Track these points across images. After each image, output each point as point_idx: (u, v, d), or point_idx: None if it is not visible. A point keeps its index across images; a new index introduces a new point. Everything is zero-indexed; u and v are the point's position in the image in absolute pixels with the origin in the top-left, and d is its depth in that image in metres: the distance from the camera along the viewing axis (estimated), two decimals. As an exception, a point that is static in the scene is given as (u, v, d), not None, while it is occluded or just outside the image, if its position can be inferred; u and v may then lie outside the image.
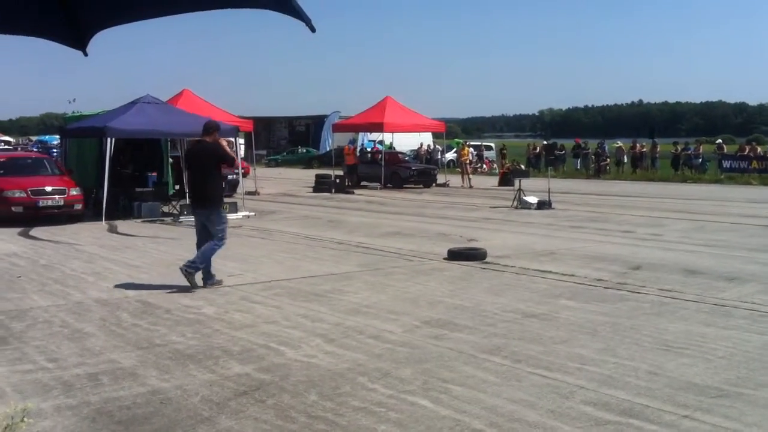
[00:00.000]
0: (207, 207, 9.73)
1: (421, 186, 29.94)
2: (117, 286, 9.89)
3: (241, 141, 32.29)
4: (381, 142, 35.64)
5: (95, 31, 3.20)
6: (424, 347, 6.84)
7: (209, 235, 9.72)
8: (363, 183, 30.34)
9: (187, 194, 9.55)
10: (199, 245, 9.77)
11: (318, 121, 57.42)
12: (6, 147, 54.30)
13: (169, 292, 9.41)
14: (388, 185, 29.58)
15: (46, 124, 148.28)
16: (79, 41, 3.22)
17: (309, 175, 34.70)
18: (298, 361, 6.41)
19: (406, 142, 40.60)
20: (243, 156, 30.02)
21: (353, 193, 27.22)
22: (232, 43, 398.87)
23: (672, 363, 6.33)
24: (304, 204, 23.10)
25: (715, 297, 8.99)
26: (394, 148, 36.41)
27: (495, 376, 5.99)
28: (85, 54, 3.26)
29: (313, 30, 2.60)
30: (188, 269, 9.48)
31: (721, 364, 6.30)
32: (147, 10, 3.08)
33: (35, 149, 40.81)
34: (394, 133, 35.22)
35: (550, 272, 10.72)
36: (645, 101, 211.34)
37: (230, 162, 10.08)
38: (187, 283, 9.50)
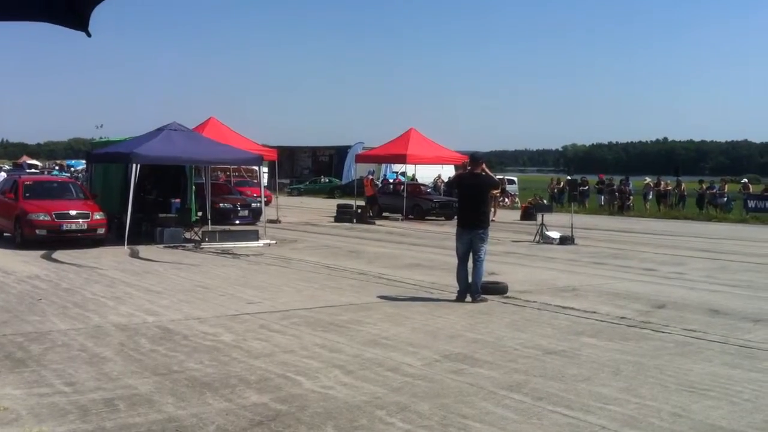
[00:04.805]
0: (480, 227, 11.13)
1: (442, 218, 29.88)
2: (136, 311, 9.90)
3: (265, 170, 32.53)
4: (403, 174, 35.58)
5: (92, 6, 3.12)
6: (443, 381, 6.76)
7: (468, 257, 11.07)
8: (385, 214, 30.32)
9: (457, 218, 11.77)
10: (461, 264, 11.12)
11: (341, 152, 57.68)
12: (33, 171, 55.18)
13: (188, 319, 9.40)
14: (410, 216, 29.54)
15: (74, 148, 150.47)
16: (79, 21, 3.14)
17: (331, 204, 34.77)
18: (316, 392, 6.34)
19: (428, 174, 40.61)
20: (266, 185, 30.14)
21: (374, 223, 27.20)
22: (258, 72, 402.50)
23: (696, 405, 6.20)
24: (325, 233, 23.10)
25: (741, 338, 8.84)
26: (416, 180, 36.42)
27: (515, 413, 5.89)
28: (89, 34, 3.16)
29: None
30: (477, 298, 10.95)
31: (747, 407, 6.16)
32: None
33: (65, 174, 41.12)
34: (417, 165, 35.26)
35: (572, 308, 10.60)
36: (670, 139, 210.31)
37: (497, 186, 12.14)
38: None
